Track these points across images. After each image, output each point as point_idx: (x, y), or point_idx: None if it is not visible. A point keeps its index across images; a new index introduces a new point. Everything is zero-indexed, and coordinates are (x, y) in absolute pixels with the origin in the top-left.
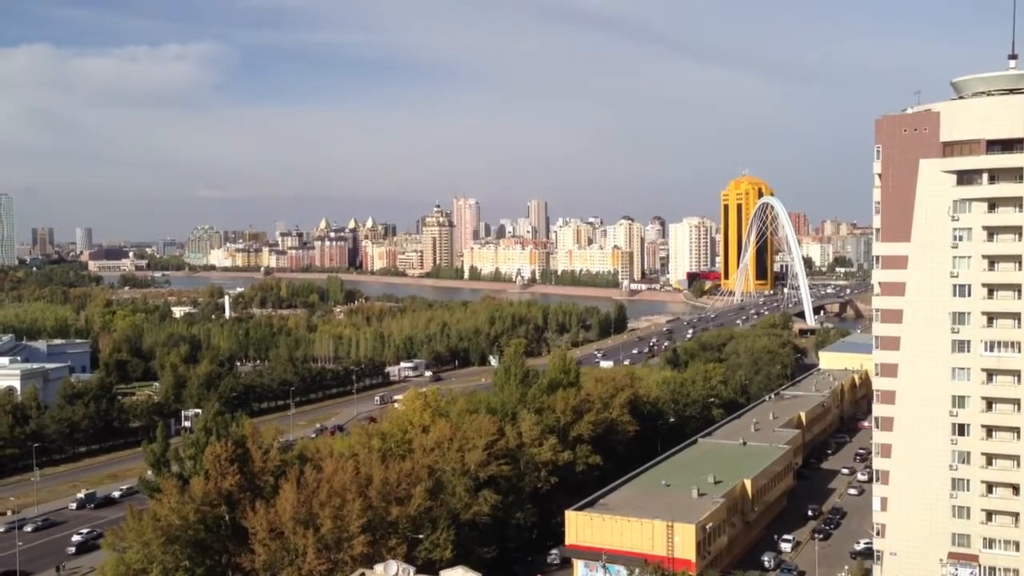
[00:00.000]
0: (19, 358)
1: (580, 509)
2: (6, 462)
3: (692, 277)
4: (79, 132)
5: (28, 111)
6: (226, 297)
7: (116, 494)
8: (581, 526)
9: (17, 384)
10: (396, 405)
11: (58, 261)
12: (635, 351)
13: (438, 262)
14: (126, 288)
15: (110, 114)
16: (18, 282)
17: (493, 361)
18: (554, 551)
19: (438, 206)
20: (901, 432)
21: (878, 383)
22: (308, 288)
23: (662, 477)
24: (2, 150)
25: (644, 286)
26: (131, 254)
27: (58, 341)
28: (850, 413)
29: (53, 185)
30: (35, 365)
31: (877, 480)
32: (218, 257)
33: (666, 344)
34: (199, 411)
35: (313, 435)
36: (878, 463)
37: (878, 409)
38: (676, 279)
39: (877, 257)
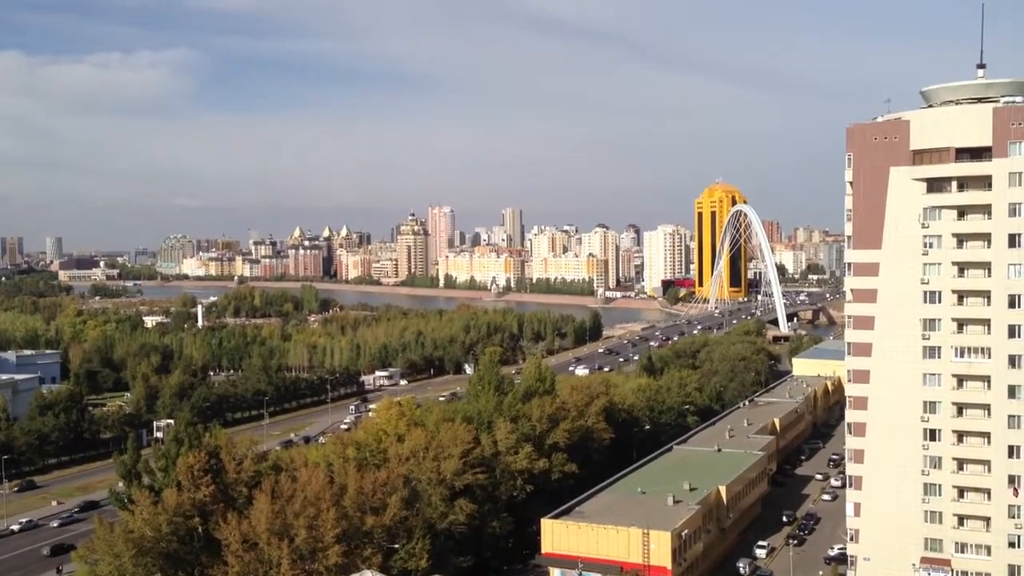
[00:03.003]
0: None
1: (556, 517)
2: None
3: (667, 284)
4: (51, 140)
5: None
6: (199, 306)
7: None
8: (557, 534)
9: None
10: (370, 414)
11: (27, 271)
12: (618, 358)
13: (413, 270)
14: (97, 298)
15: (83, 122)
16: None
17: (468, 369)
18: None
19: (413, 214)
20: (874, 438)
21: (850, 389)
22: (282, 297)
23: (638, 484)
24: None
25: (619, 294)
26: (102, 263)
27: (28, 352)
28: (823, 419)
29: (23, 193)
30: (4, 376)
31: (850, 486)
32: (191, 266)
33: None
34: (171, 422)
35: (278, 447)
36: (851, 469)
37: (851, 415)
38: (651, 287)
39: (849, 264)
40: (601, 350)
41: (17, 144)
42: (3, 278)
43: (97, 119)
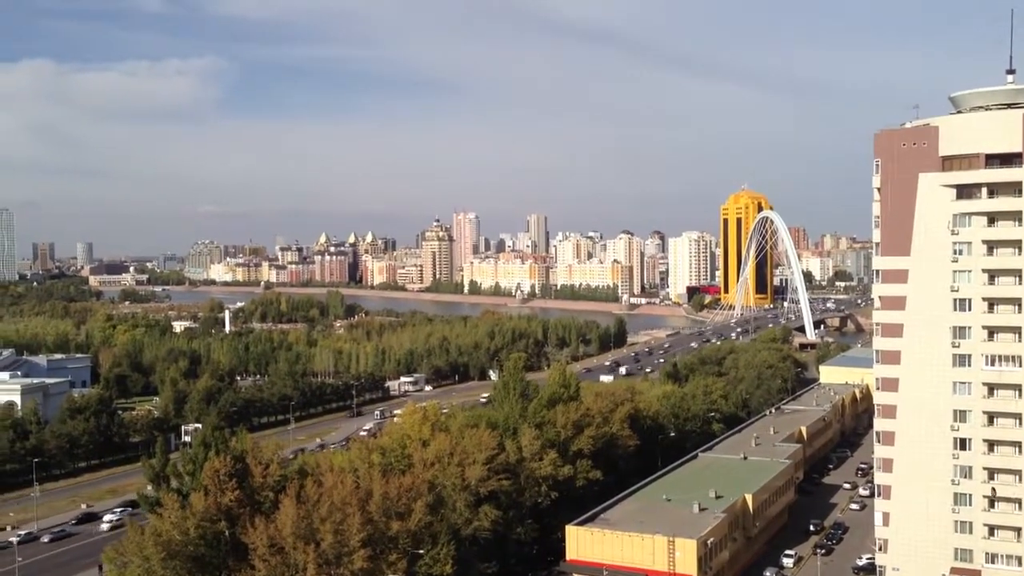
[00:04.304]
0: (19, 373)
1: (581, 524)
2: (6, 477)
3: (692, 291)
4: (81, 147)
5: (30, 126)
6: (226, 312)
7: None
8: (582, 541)
9: (17, 399)
10: (395, 420)
11: (59, 276)
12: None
13: (438, 276)
14: (126, 303)
15: (111, 129)
16: (18, 297)
17: (493, 375)
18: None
19: (438, 220)
20: (903, 447)
21: (879, 397)
22: (308, 303)
23: (663, 492)
24: (4, 165)
25: (644, 300)
26: (132, 269)
27: (58, 356)
28: (851, 427)
29: (54, 200)
30: (35, 380)
31: (879, 495)
32: (218, 272)
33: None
34: (199, 426)
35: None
36: (880, 478)
37: (879, 423)
38: (676, 293)
39: (877, 271)
40: (607, 363)
41: (48, 151)
42: (35, 283)
43: (125, 126)
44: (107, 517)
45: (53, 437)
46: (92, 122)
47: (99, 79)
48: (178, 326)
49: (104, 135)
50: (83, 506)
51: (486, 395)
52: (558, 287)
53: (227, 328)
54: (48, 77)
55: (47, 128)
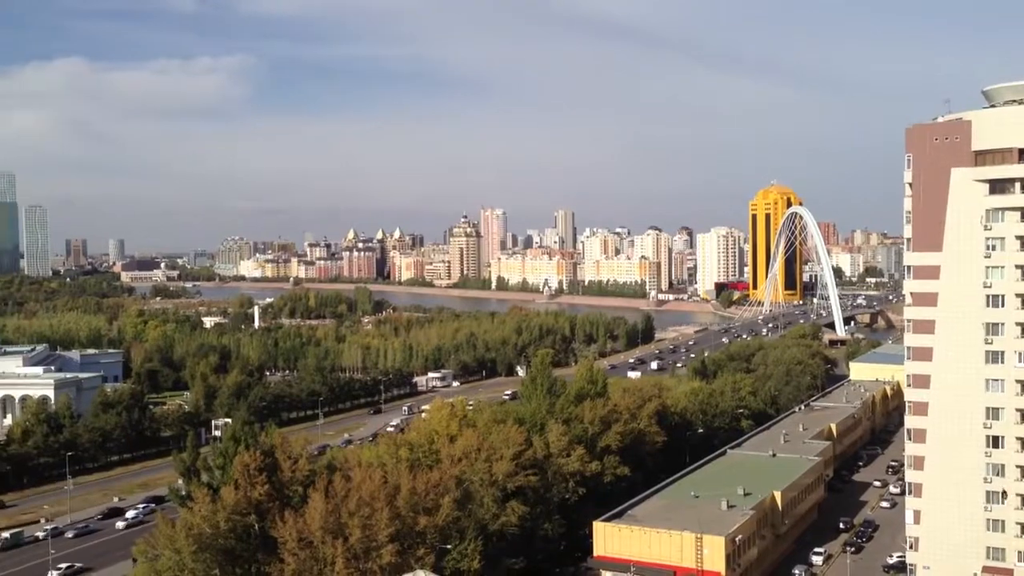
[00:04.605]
0: (53, 368)
1: (608, 520)
2: (41, 470)
3: (720, 287)
4: (113, 144)
5: (63, 124)
6: (256, 307)
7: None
8: (609, 537)
9: (51, 393)
10: (423, 415)
11: (91, 272)
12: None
13: (465, 272)
14: (157, 298)
15: (143, 127)
16: (52, 293)
17: (520, 371)
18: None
19: (465, 217)
20: (934, 444)
21: (910, 394)
22: (336, 298)
23: (691, 488)
24: (38, 162)
25: (672, 296)
26: (163, 265)
27: (91, 351)
28: (882, 425)
29: (87, 197)
30: (69, 375)
31: (910, 493)
32: (248, 268)
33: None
34: (229, 420)
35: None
36: (911, 476)
37: (910, 421)
38: (704, 289)
39: (908, 267)
40: (632, 360)
41: (81, 148)
42: (68, 279)
43: (157, 124)
44: (129, 513)
45: (86, 431)
46: (124, 120)
47: (131, 77)
48: (208, 322)
49: (136, 133)
50: (115, 499)
51: (508, 392)
52: (586, 283)
53: (256, 324)
54: (82, 76)
55: (80, 126)
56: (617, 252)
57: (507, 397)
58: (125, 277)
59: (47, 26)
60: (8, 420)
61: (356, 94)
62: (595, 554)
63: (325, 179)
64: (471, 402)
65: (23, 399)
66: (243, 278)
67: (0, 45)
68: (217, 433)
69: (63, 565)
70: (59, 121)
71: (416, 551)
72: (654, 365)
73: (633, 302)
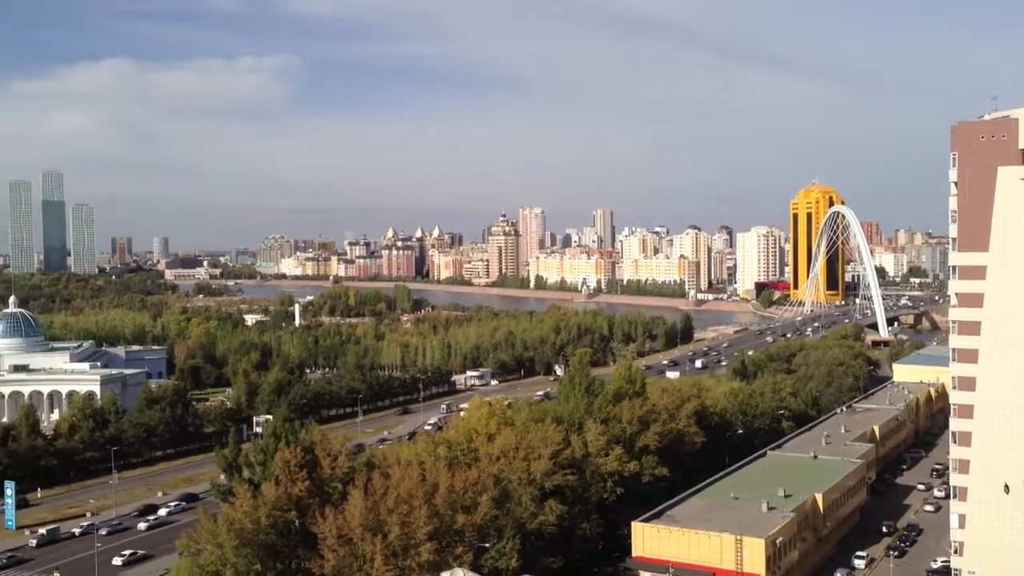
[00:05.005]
0: (99, 364)
1: (647, 521)
2: (86, 465)
3: (760, 287)
4: (158, 144)
5: (110, 123)
6: (296, 305)
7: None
8: (648, 538)
9: (97, 389)
10: (461, 414)
11: (136, 270)
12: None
13: (504, 271)
14: (200, 296)
15: (187, 126)
16: (98, 290)
17: (558, 370)
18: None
19: (504, 215)
20: (979, 447)
21: (955, 396)
22: (376, 297)
23: (730, 490)
24: (85, 161)
25: (711, 296)
26: (205, 263)
27: (136, 348)
28: (926, 427)
29: (132, 195)
30: (114, 371)
31: (955, 497)
32: (288, 266)
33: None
34: (270, 417)
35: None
36: (955, 479)
37: (955, 423)
38: (744, 289)
39: (954, 267)
40: (665, 362)
41: (127, 147)
42: (114, 277)
43: (201, 123)
44: (160, 512)
45: (131, 426)
46: (169, 119)
47: (175, 77)
48: (250, 319)
49: (180, 132)
50: (159, 493)
51: (540, 392)
52: (624, 282)
53: (297, 321)
54: (128, 76)
55: (126, 126)
56: (656, 251)
57: (539, 397)
58: (169, 275)
59: (94, 27)
60: (55, 415)
61: (395, 93)
62: (633, 554)
63: (364, 178)
64: (507, 401)
65: (70, 394)
66: (284, 276)
67: (50, 47)
68: (258, 429)
69: (127, 552)
70: (105, 121)
71: (454, 549)
72: (699, 364)
73: (672, 302)
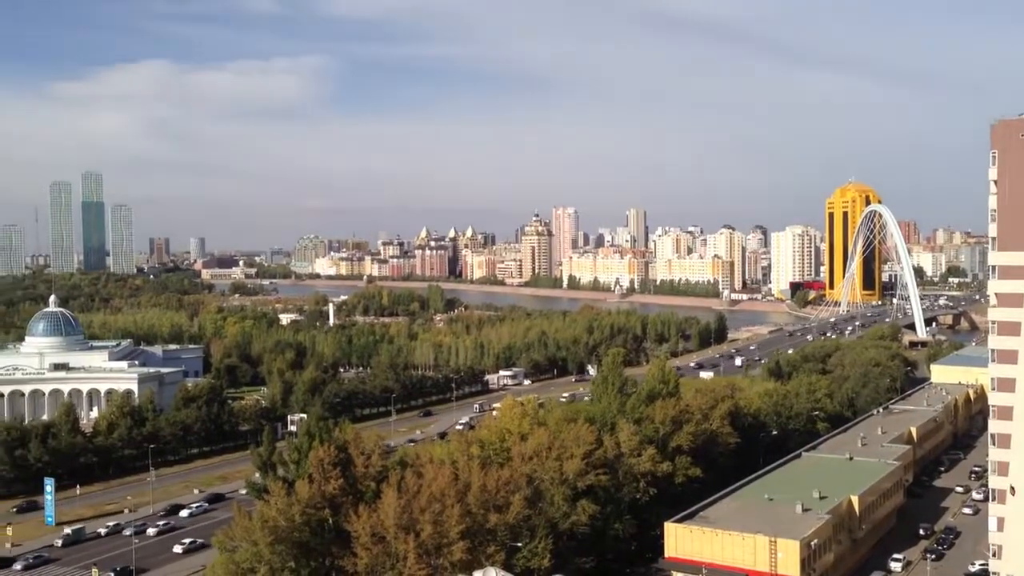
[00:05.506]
0: (137, 362)
1: (680, 521)
2: (125, 462)
3: (795, 287)
4: (195, 144)
5: (148, 124)
6: (330, 305)
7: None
8: (681, 539)
9: (135, 387)
10: (494, 413)
11: (173, 269)
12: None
13: (537, 271)
14: (236, 296)
15: (224, 127)
16: (136, 289)
17: (591, 370)
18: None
19: (537, 215)
20: (1019, 449)
21: (994, 398)
22: (409, 296)
23: (764, 491)
24: (123, 162)
25: (745, 296)
26: (241, 263)
27: (173, 346)
28: (964, 429)
29: (169, 196)
30: (151, 369)
31: (993, 499)
32: (323, 266)
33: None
34: (304, 416)
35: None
36: (994, 481)
37: (994, 425)
38: (778, 289)
39: (993, 267)
40: (693, 364)
41: (165, 148)
42: (151, 276)
43: (237, 124)
44: (183, 512)
45: (168, 424)
46: (206, 120)
47: (212, 79)
48: (285, 319)
49: (217, 133)
50: (195, 491)
51: (566, 394)
52: (657, 282)
53: (331, 321)
54: (165, 77)
55: (164, 126)
56: (689, 251)
57: (565, 398)
58: (205, 275)
59: (133, 29)
60: (94, 413)
61: (428, 94)
62: (666, 555)
63: (397, 178)
64: (540, 401)
65: (108, 393)
66: (318, 276)
67: (89, 49)
68: (293, 428)
69: (187, 540)
70: (144, 122)
71: (487, 548)
72: (738, 362)
73: (706, 301)
